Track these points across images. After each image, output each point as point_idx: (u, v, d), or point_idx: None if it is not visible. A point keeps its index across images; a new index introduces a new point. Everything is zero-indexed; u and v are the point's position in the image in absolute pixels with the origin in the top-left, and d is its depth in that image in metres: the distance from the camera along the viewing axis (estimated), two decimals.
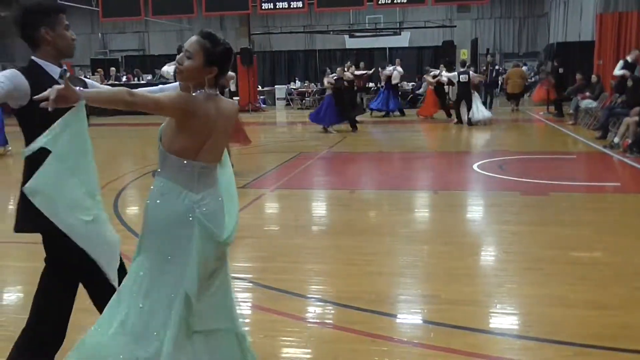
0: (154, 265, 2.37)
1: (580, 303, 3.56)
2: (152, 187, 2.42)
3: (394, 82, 17.61)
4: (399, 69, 17.88)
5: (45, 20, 2.46)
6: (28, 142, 2.35)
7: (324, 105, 13.59)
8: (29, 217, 2.42)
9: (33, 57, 2.50)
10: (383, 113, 17.92)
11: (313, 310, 3.58)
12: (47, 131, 2.13)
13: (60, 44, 2.50)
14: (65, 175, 2.24)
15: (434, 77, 16.37)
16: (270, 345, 3.12)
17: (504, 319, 3.44)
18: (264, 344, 3.11)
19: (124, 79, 22.54)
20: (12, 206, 7.11)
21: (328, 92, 13.75)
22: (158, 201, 2.37)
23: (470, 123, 14.28)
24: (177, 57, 2.34)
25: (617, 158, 9.03)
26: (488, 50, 24.48)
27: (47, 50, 2.47)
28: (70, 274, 2.65)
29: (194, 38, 2.32)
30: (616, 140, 9.68)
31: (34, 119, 2.35)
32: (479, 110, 14.52)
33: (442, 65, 15.52)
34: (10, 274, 4.51)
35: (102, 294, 2.56)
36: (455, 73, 14.84)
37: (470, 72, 14.61)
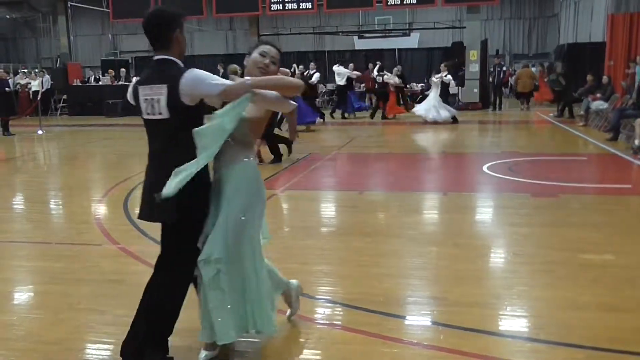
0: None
1: (591, 306, 3.53)
2: (246, 173, 2.82)
3: (339, 82, 17.49)
4: (337, 68, 17.55)
5: (179, 23, 2.75)
6: (188, 135, 2.60)
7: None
8: (184, 207, 2.66)
9: (168, 57, 2.70)
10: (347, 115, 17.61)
11: (322, 312, 3.57)
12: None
13: (184, 46, 2.78)
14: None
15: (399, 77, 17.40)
16: (279, 346, 3.12)
17: (514, 322, 3.41)
18: (273, 344, 3.11)
19: (134, 79, 22.61)
20: (19, 208, 7.16)
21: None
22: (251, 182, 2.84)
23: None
24: (258, 60, 2.84)
25: (628, 159, 8.96)
26: (497, 51, 24.41)
27: (175, 50, 2.73)
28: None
29: (273, 49, 2.92)
30: (637, 142, 9.28)
31: (201, 113, 2.73)
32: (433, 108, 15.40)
33: (443, 66, 16.08)
34: (21, 273, 4.54)
35: None
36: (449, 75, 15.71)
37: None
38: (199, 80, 2.61)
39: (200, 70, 2.67)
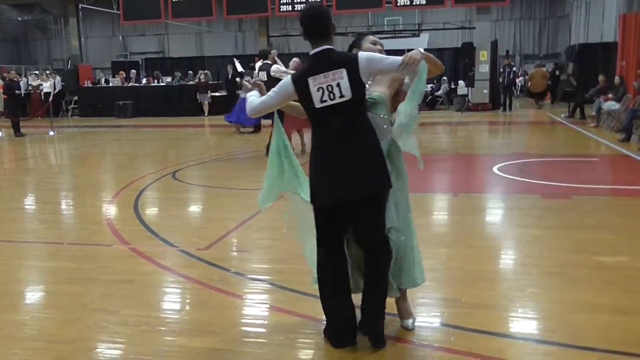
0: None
1: (604, 308, 3.49)
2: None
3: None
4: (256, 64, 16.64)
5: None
6: (364, 111, 2.95)
7: (240, 106, 13.21)
8: (387, 177, 3.00)
9: (330, 46, 2.95)
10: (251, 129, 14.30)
11: None
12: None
13: None
14: None
15: None
16: (289, 347, 3.12)
17: (526, 324, 3.39)
18: (283, 345, 3.11)
19: (144, 81, 22.75)
20: (31, 209, 7.20)
21: (242, 94, 13.38)
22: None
23: None
24: (373, 48, 3.19)
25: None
26: (508, 51, 24.28)
27: (332, 39, 2.98)
28: None
29: (377, 38, 3.31)
30: None
31: None
32: None
33: None
34: (34, 273, 4.57)
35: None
36: None
37: None
38: (376, 59, 2.90)
39: (366, 52, 3.00)
